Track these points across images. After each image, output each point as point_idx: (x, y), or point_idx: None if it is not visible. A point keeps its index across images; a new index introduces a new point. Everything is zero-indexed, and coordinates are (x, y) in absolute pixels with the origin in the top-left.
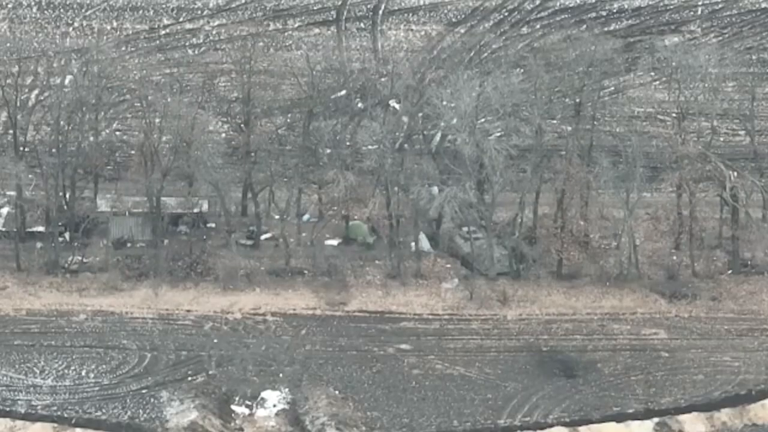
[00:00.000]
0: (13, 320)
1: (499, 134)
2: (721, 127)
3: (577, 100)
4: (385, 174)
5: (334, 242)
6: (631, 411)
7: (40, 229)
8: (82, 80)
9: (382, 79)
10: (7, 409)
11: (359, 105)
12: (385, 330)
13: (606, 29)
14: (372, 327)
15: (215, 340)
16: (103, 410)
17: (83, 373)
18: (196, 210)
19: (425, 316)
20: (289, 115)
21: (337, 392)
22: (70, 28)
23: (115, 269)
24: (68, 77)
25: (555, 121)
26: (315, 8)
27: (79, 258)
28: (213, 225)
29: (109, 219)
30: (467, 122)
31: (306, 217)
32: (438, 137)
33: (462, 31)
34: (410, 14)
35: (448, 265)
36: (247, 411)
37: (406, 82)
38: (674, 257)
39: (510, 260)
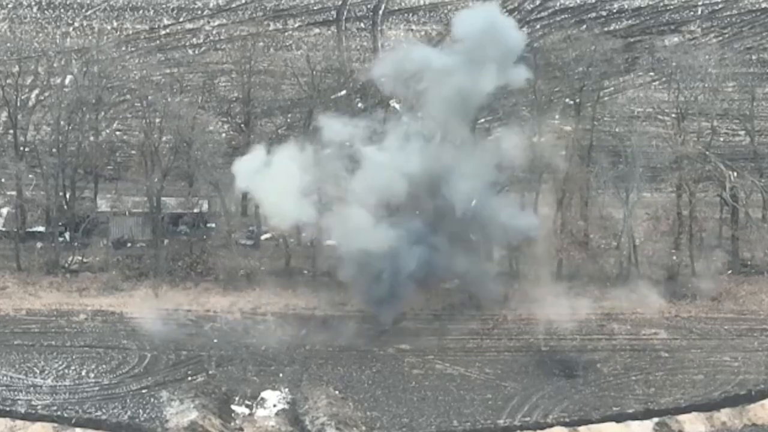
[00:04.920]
0: (13, 320)
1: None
2: (721, 127)
3: (577, 100)
4: None
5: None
6: (631, 411)
7: (40, 229)
8: (83, 80)
9: (382, 79)
10: (7, 409)
11: (359, 105)
12: (385, 330)
13: (606, 29)
14: (372, 327)
15: (215, 340)
16: (103, 410)
17: (83, 372)
18: (196, 210)
19: (425, 316)
20: (289, 115)
21: (337, 392)
22: (71, 28)
23: (115, 269)
24: (68, 77)
25: (555, 121)
26: (315, 8)
27: (79, 258)
28: (213, 225)
29: (109, 219)
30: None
31: None
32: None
33: None
34: (410, 14)
35: None
36: (247, 411)
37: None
38: (674, 257)
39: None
